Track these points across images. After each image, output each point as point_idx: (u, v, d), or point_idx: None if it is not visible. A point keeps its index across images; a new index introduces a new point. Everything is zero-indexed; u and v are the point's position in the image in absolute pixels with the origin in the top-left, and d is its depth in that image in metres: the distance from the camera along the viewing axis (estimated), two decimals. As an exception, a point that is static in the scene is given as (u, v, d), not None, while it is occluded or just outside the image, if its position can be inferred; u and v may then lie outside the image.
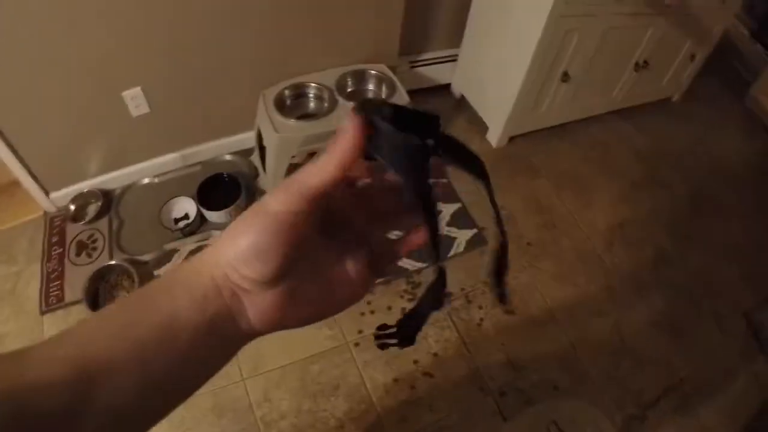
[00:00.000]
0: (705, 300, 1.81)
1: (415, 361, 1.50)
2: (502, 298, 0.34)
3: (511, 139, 2.15)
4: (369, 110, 0.27)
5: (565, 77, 1.91)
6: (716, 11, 2.18)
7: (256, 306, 0.28)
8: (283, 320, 0.29)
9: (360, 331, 1.54)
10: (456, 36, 2.09)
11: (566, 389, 1.51)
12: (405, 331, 0.34)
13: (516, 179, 2.08)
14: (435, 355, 1.53)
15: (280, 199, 0.27)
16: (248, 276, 0.26)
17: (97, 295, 1.51)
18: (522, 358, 1.55)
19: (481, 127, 2.16)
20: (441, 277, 0.30)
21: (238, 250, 0.26)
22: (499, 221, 0.32)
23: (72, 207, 1.70)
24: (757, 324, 1.73)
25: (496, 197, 0.31)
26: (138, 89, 1.56)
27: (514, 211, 1.95)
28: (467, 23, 2.04)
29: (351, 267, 0.31)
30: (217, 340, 0.28)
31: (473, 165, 0.31)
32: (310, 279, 0.30)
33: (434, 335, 1.57)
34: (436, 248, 0.28)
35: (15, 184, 1.67)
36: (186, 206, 1.68)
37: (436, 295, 0.32)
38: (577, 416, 1.43)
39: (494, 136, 2.11)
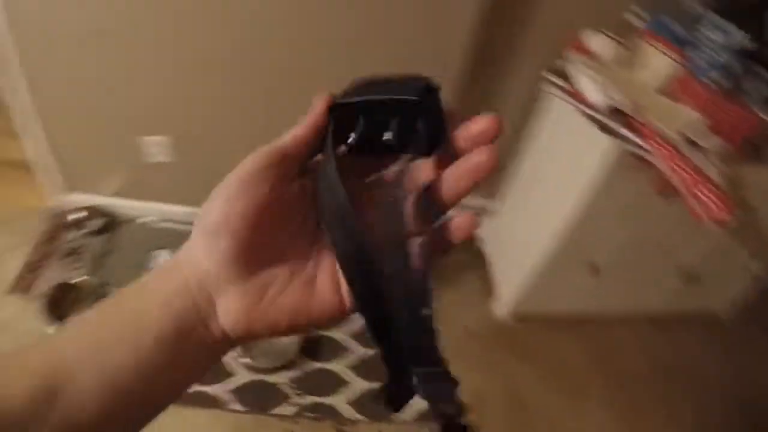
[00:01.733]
0: None
1: None
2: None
3: (517, 313, 1.93)
4: (341, 103, 0.29)
5: (594, 269, 1.75)
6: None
7: (226, 305, 0.27)
8: (253, 325, 0.27)
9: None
10: (495, 188, 2.05)
11: None
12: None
13: (503, 359, 1.83)
14: None
15: (248, 160, 0.27)
16: (216, 253, 0.26)
17: (58, 303, 1.68)
18: None
19: (490, 291, 2.00)
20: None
21: (205, 223, 0.27)
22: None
23: (77, 215, 1.89)
24: None
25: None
26: (164, 138, 1.74)
27: (487, 396, 1.70)
28: (509, 181, 1.98)
29: (332, 275, 0.29)
30: (186, 343, 0.27)
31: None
32: (282, 280, 0.28)
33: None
34: (395, 367, 0.27)
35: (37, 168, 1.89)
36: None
37: None
38: None
39: (501, 305, 1.94)
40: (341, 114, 0.28)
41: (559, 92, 1.64)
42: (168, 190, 1.93)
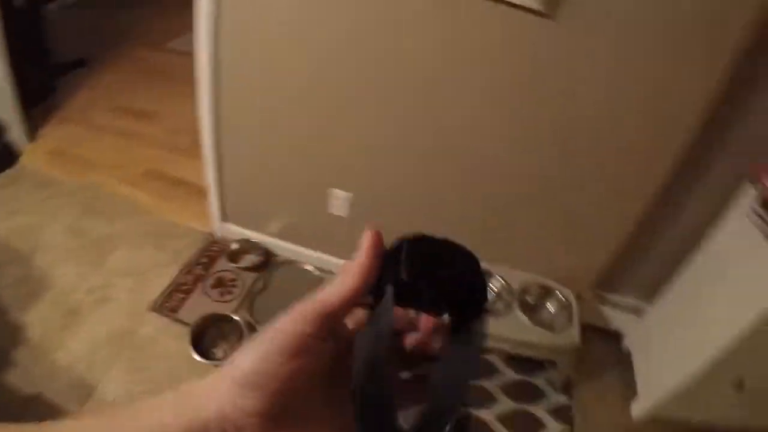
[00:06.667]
0: None
1: None
2: None
3: (655, 417, 1.89)
4: (395, 255, 0.28)
5: (740, 385, 1.71)
6: None
7: None
8: None
9: None
10: (652, 291, 2.00)
11: None
12: None
13: None
14: None
15: (291, 316, 0.26)
16: (243, 407, 0.24)
17: (203, 333, 1.53)
18: None
19: (631, 393, 1.96)
20: None
21: (237, 374, 0.25)
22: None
23: (235, 246, 1.80)
24: None
25: None
26: (347, 194, 1.67)
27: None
28: (669, 287, 1.92)
29: None
30: None
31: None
32: None
33: None
34: None
35: (204, 191, 1.83)
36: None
37: None
38: None
39: (640, 407, 1.91)
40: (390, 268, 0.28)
41: (757, 219, 1.58)
42: (333, 241, 1.83)
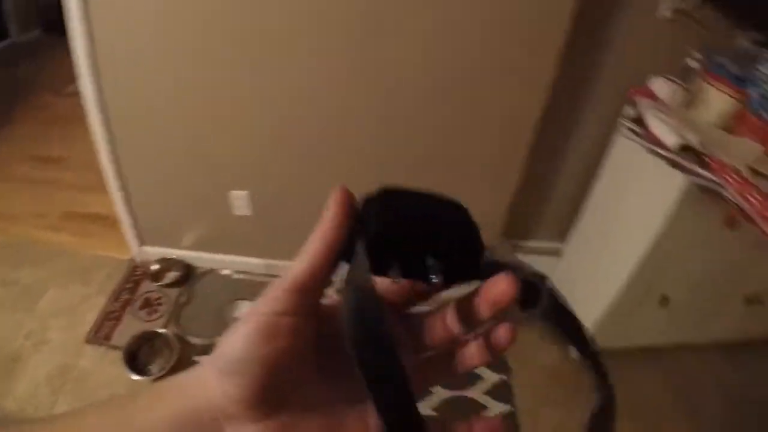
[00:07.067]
0: None
1: None
2: None
3: None
4: (373, 200, 0.25)
5: (664, 302, 1.80)
6: None
7: None
8: None
9: None
10: (564, 230, 2.07)
11: None
12: None
13: (580, 394, 1.81)
14: None
15: (264, 299, 0.25)
16: (231, 394, 0.24)
17: (137, 353, 1.66)
18: None
19: None
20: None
21: (220, 362, 0.25)
22: (600, 372, 0.27)
23: (155, 267, 1.92)
24: None
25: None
26: (245, 193, 1.78)
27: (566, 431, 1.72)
28: (577, 221, 2.00)
29: (361, 418, 0.26)
30: None
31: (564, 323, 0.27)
32: (307, 423, 0.26)
33: None
34: None
35: (118, 221, 1.94)
36: (247, 311, 1.84)
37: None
38: None
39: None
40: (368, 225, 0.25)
41: (633, 135, 1.72)
42: (245, 243, 1.96)
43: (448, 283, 0.26)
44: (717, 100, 1.70)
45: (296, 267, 0.25)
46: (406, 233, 0.24)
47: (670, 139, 1.58)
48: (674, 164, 1.62)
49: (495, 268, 0.25)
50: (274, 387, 0.24)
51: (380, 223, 0.24)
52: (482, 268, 0.25)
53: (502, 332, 0.28)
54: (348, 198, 0.25)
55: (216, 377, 0.24)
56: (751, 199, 1.44)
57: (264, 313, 0.24)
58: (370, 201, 0.25)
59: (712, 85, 1.72)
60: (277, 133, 1.67)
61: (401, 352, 0.21)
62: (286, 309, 0.24)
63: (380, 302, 0.22)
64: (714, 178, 1.51)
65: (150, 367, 1.65)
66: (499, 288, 0.26)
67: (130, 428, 0.25)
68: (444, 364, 0.29)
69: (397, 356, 0.21)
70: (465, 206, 0.25)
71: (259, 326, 0.24)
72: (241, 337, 0.24)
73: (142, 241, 1.96)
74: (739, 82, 1.67)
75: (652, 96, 1.77)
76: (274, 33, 1.45)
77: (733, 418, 1.97)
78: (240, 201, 1.82)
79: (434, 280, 0.25)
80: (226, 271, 1.97)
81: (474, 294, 0.27)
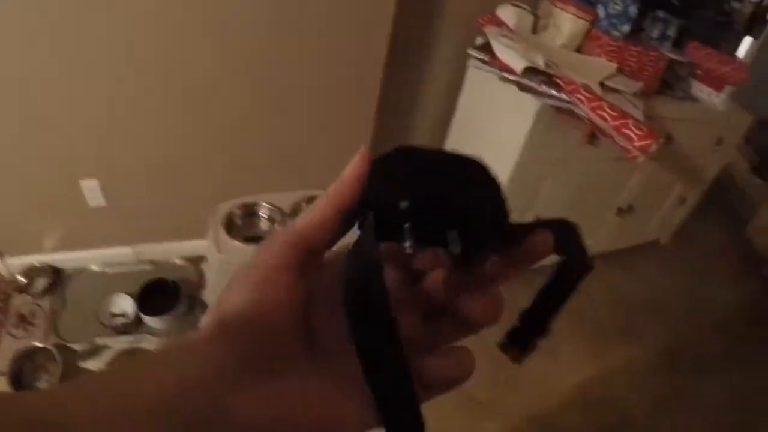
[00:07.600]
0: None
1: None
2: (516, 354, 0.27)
3: None
4: (385, 160, 0.24)
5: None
6: (710, 154, 2.08)
7: (242, 407, 0.22)
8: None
9: None
10: None
11: None
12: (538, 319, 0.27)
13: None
14: None
15: (265, 250, 0.24)
16: (233, 355, 0.21)
17: (21, 373, 1.65)
18: None
19: None
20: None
21: (226, 318, 0.22)
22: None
23: (21, 278, 1.81)
24: None
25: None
26: (95, 182, 1.69)
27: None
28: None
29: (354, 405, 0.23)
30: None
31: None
32: (308, 387, 0.23)
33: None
34: None
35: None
36: (125, 304, 1.76)
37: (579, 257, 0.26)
38: None
39: None
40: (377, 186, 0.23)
41: (482, 64, 1.69)
42: (107, 234, 1.87)
43: (468, 254, 0.23)
44: (567, 23, 1.71)
45: (299, 221, 0.24)
46: (423, 200, 0.23)
47: (517, 63, 1.57)
48: (524, 88, 1.63)
49: (521, 231, 0.25)
50: (275, 346, 0.22)
51: (391, 190, 0.23)
52: (505, 236, 0.24)
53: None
54: (365, 162, 0.24)
55: (217, 335, 0.22)
56: (604, 114, 1.48)
57: (260, 265, 0.23)
58: (384, 161, 0.24)
59: (561, 8, 1.69)
60: (114, 116, 1.58)
61: (405, 320, 0.21)
62: (280, 263, 0.23)
63: (381, 270, 0.21)
64: (566, 98, 1.53)
65: (37, 383, 1.63)
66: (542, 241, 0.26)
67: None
68: (456, 325, 0.27)
69: (396, 330, 0.20)
70: (489, 169, 0.25)
71: (254, 278, 0.23)
72: (243, 290, 0.23)
73: (1, 254, 1.84)
74: (586, 3, 1.65)
75: (500, 24, 1.71)
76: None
77: (627, 323, 2.11)
78: (92, 192, 1.72)
79: (454, 251, 0.23)
80: (96, 267, 1.90)
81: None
